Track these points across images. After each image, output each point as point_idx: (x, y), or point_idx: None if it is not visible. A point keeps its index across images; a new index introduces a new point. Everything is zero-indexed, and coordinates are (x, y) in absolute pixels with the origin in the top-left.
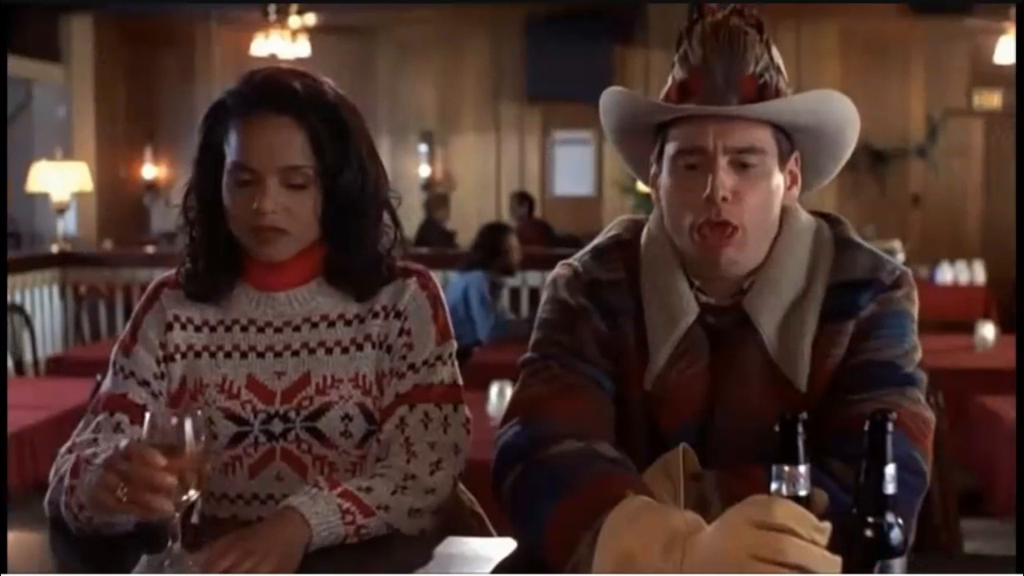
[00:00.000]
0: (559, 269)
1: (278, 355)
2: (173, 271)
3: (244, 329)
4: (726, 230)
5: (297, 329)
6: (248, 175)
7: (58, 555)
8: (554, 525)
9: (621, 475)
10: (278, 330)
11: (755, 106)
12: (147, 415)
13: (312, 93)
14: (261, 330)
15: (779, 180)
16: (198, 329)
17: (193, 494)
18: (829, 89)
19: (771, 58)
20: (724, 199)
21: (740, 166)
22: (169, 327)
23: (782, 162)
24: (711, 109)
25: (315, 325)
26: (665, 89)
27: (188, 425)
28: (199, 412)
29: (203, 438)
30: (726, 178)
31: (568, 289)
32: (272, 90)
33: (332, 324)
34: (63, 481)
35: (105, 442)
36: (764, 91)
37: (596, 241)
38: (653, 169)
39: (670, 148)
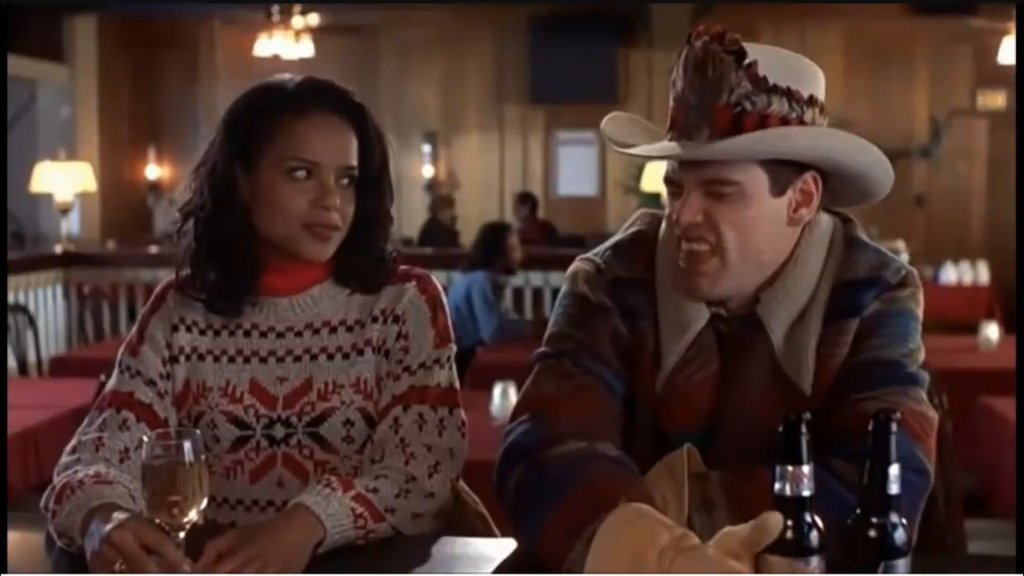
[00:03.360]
0: (579, 263)
1: (280, 360)
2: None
3: (247, 334)
4: (703, 261)
5: (299, 335)
6: (307, 169)
7: (57, 555)
8: (549, 530)
9: (619, 477)
10: (280, 335)
11: (700, 150)
12: (144, 439)
13: (361, 103)
14: (264, 335)
15: (771, 206)
16: (202, 332)
17: (194, 515)
18: (791, 128)
19: (754, 84)
20: (693, 225)
21: (715, 195)
22: (175, 329)
23: (779, 188)
24: (665, 153)
25: (317, 331)
26: None
27: (187, 445)
28: (197, 432)
29: (203, 458)
30: (696, 203)
31: (589, 284)
32: (333, 92)
33: (334, 330)
34: (54, 491)
35: (110, 440)
36: (741, 120)
37: (617, 236)
38: None
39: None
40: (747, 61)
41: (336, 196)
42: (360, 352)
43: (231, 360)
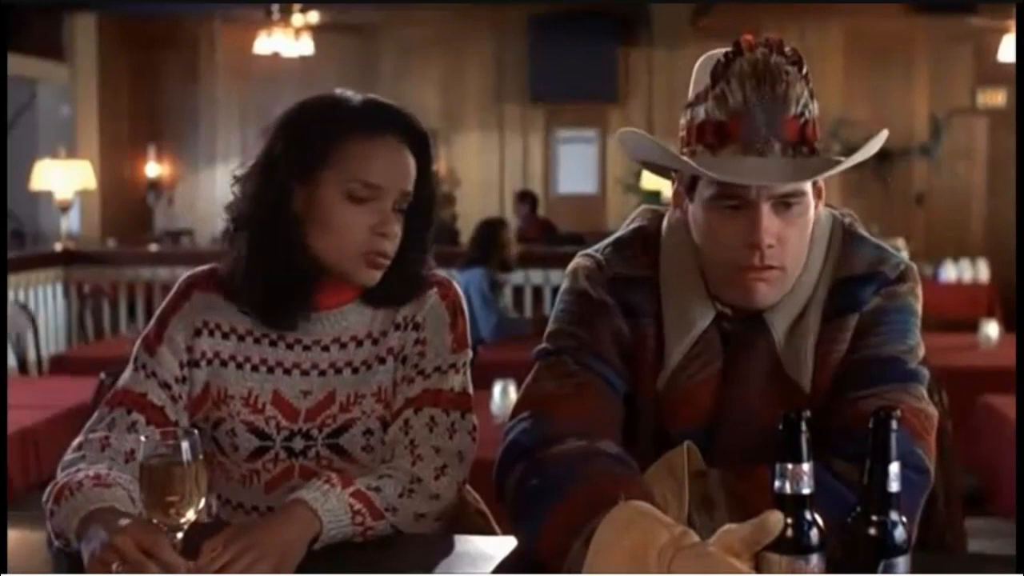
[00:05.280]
0: (580, 260)
1: (305, 373)
2: (204, 269)
3: (273, 344)
4: (767, 272)
5: (326, 349)
6: (369, 193)
7: (56, 554)
8: (549, 529)
9: (619, 475)
10: (307, 348)
11: (805, 183)
12: (142, 438)
13: (426, 130)
14: (290, 347)
15: (813, 207)
16: (225, 336)
17: (192, 515)
18: (876, 138)
19: (810, 92)
20: (769, 245)
21: (783, 206)
22: (197, 332)
23: (815, 188)
24: (763, 181)
25: (344, 345)
26: (689, 120)
27: (185, 445)
28: (196, 432)
29: (200, 457)
30: (770, 224)
31: (590, 281)
32: (400, 117)
33: (360, 344)
34: (54, 488)
35: (117, 441)
36: (805, 129)
37: (618, 233)
38: (676, 186)
39: (707, 189)
40: (804, 70)
41: (395, 223)
42: (382, 361)
43: (254, 369)
